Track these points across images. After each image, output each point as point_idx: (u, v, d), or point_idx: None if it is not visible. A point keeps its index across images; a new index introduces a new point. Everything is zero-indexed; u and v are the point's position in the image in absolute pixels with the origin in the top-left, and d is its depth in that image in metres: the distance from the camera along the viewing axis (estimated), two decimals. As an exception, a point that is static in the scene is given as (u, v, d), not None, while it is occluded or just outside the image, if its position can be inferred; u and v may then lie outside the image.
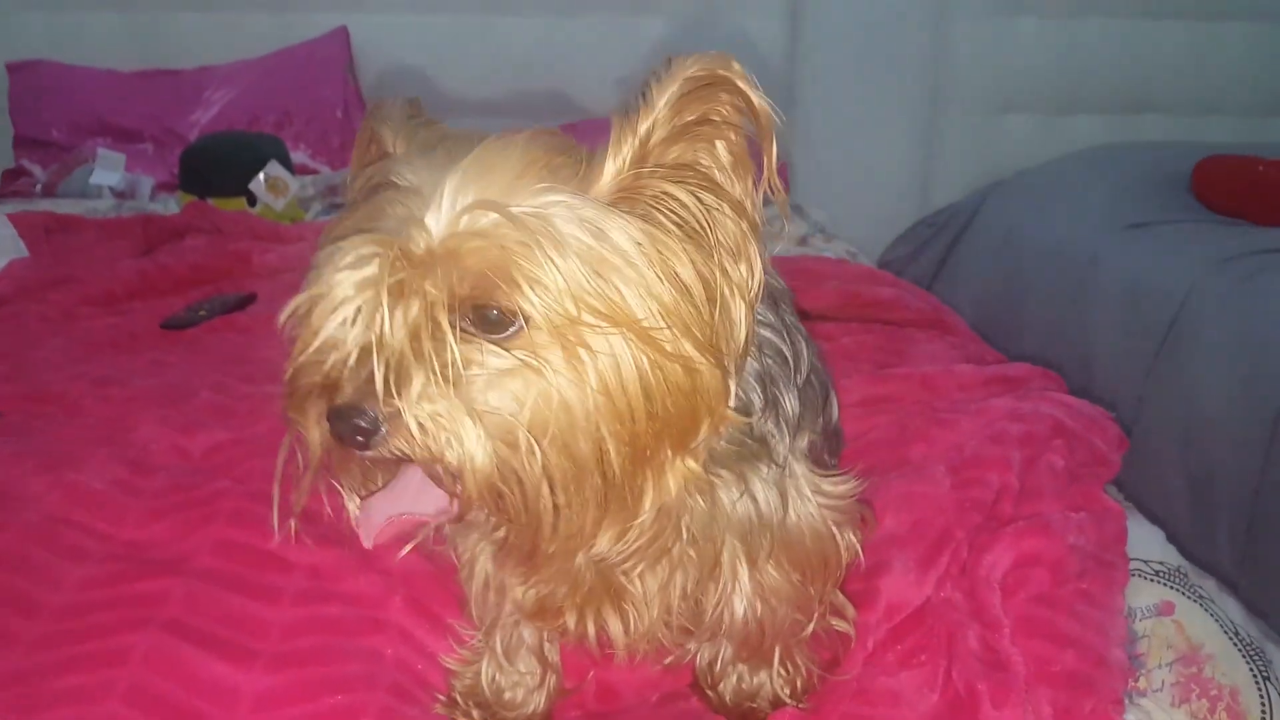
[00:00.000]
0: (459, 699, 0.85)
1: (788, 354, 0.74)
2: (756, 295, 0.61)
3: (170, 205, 2.63)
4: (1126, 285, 2.19)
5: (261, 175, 2.50)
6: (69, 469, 1.08)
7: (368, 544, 0.62)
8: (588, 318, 0.55)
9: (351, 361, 0.55)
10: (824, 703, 0.85)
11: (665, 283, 0.57)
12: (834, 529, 0.77)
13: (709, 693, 0.87)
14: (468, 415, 0.54)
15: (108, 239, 2.09)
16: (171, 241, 2.11)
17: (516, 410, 0.55)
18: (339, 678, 0.82)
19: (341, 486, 0.63)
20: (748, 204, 0.60)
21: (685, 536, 0.68)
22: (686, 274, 0.57)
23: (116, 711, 0.75)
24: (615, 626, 0.72)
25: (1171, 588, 0.95)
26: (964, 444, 1.08)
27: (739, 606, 0.74)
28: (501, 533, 0.65)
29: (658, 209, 0.58)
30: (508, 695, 0.85)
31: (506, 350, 0.55)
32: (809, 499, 0.75)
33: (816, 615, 0.81)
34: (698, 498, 0.67)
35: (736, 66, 0.58)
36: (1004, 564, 0.90)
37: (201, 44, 3.06)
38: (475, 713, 0.83)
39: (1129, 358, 2.11)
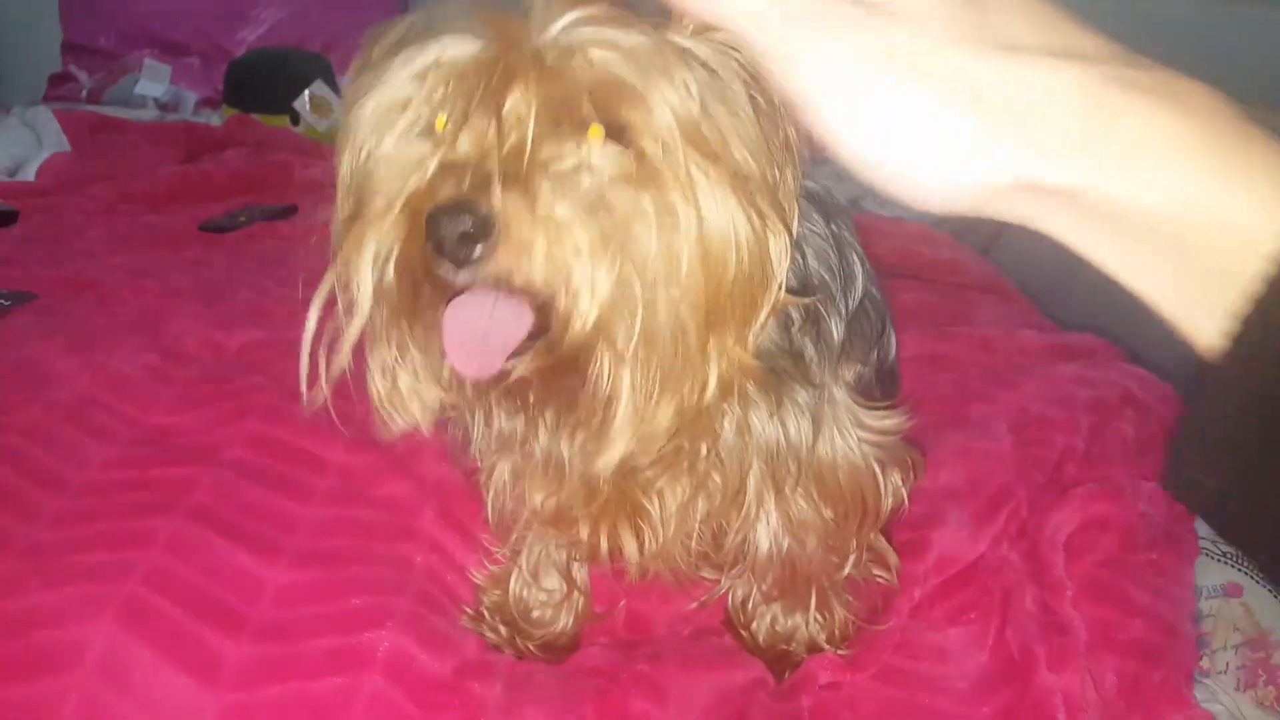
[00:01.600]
0: (486, 614, 0.82)
1: (835, 268, 0.68)
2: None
3: (214, 120, 2.59)
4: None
5: (306, 94, 2.46)
6: (100, 352, 1.05)
7: (478, 374, 0.50)
8: (697, 153, 0.49)
9: (436, 171, 0.47)
10: (864, 652, 0.81)
11: (747, 123, 0.50)
12: (875, 466, 0.72)
13: (742, 632, 0.83)
14: (599, 230, 0.47)
15: (151, 143, 2.07)
16: (214, 151, 2.08)
17: (636, 240, 0.48)
18: (365, 580, 0.79)
19: (389, 357, 0.54)
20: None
21: (708, 455, 0.63)
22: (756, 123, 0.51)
23: (135, 592, 0.72)
24: (630, 544, 0.67)
25: (1239, 570, 0.90)
26: (1028, 405, 1.03)
27: (764, 537, 0.70)
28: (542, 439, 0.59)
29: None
30: (535, 614, 0.81)
31: (625, 159, 0.49)
32: (848, 430, 0.70)
33: (853, 558, 0.77)
34: (728, 412, 0.62)
35: None
36: (1070, 526, 0.85)
37: (255, -42, 3.01)
38: (502, 629, 0.80)
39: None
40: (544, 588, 0.81)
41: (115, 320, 1.16)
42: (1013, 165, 0.36)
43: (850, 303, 0.71)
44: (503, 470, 0.71)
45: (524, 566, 0.80)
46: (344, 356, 0.52)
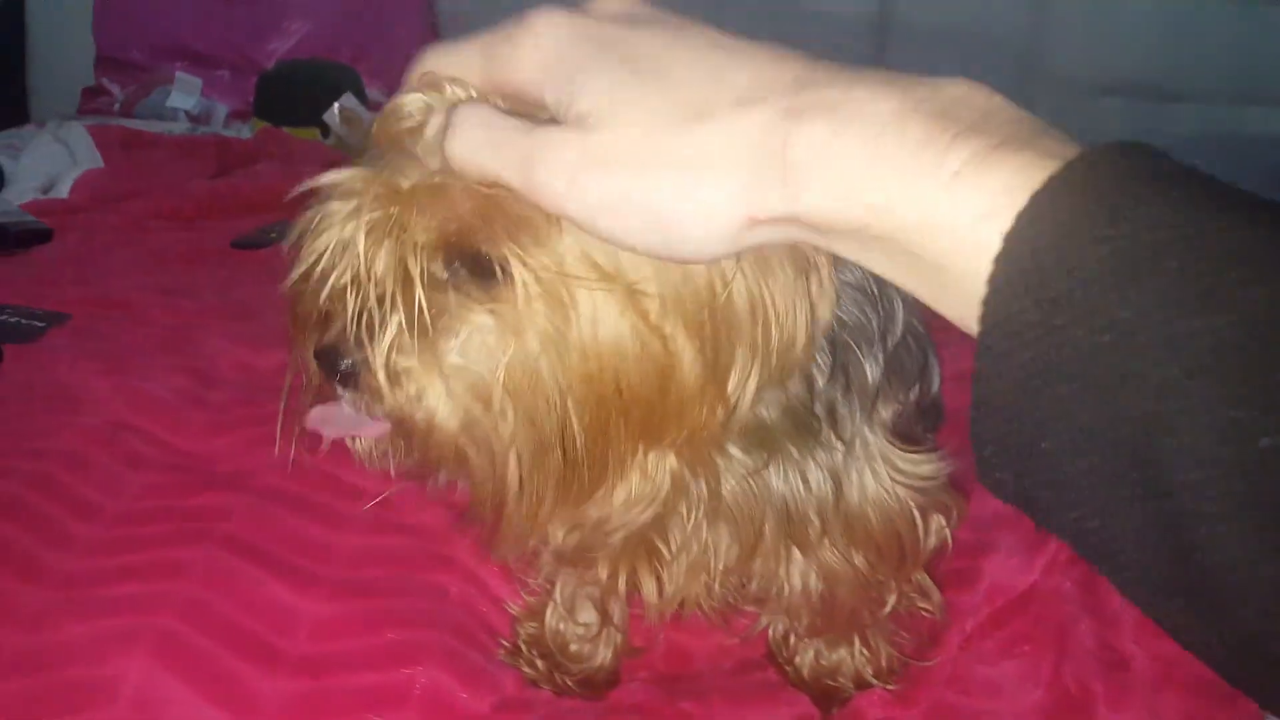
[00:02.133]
0: (523, 647, 0.80)
1: (871, 312, 0.66)
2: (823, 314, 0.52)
3: (244, 132, 2.61)
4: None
5: (336, 106, 2.47)
6: (133, 375, 1.05)
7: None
8: (578, 269, 0.48)
9: (332, 295, 0.53)
10: (914, 687, 0.78)
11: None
12: (912, 510, 0.69)
13: (786, 667, 0.81)
14: (437, 372, 0.51)
15: (182, 157, 2.08)
16: (245, 165, 2.09)
17: (491, 368, 0.50)
18: (402, 612, 0.77)
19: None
20: None
21: (711, 507, 0.62)
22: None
23: (170, 624, 0.71)
24: (648, 586, 0.66)
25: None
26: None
27: (795, 581, 0.68)
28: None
29: None
30: (573, 648, 0.80)
31: (488, 300, 0.50)
32: (881, 473, 0.67)
33: (895, 595, 0.75)
34: (730, 475, 0.62)
35: None
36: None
37: (284, -29, 3.03)
38: (539, 663, 0.79)
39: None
40: (580, 622, 0.79)
41: (148, 341, 1.16)
42: (737, 207, 0.39)
43: (890, 341, 0.68)
44: None
45: (558, 600, 0.79)
46: (308, 420, 0.60)
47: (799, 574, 0.67)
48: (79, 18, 3.05)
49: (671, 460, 0.55)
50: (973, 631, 0.81)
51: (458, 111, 0.45)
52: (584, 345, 0.49)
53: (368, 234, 0.50)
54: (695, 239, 0.41)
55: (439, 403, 0.51)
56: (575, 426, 0.51)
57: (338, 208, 0.52)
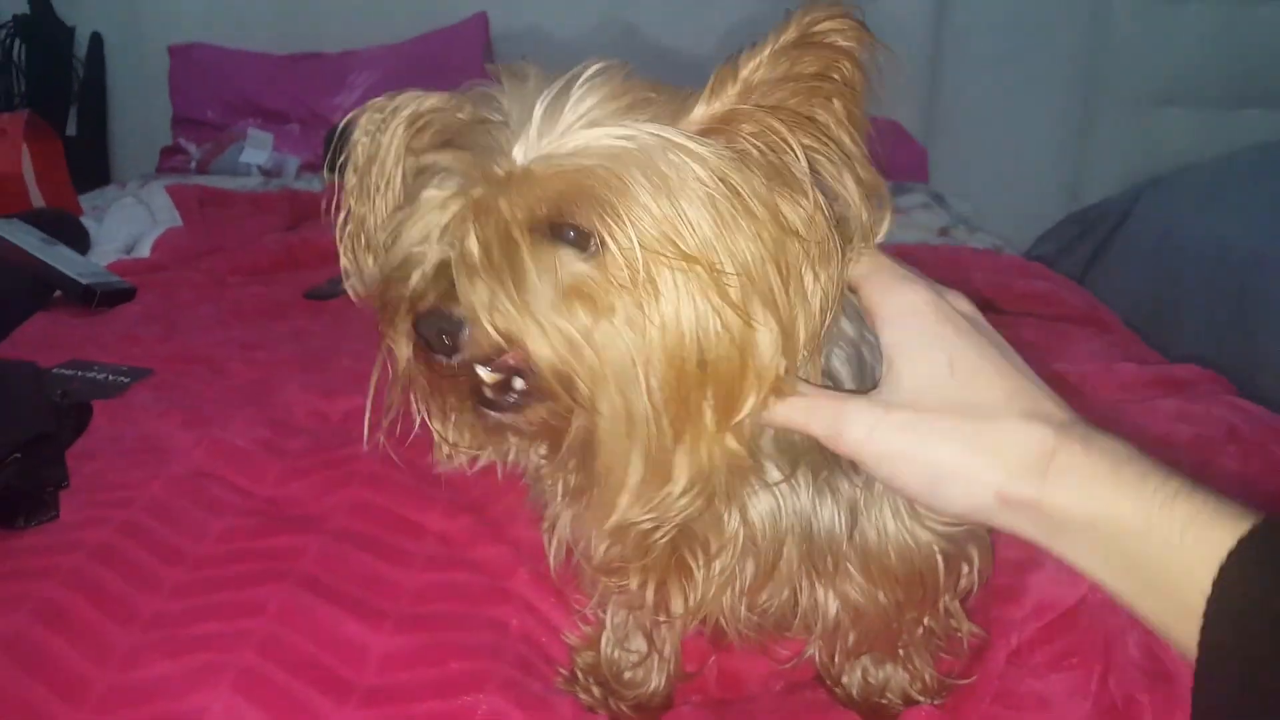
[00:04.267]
0: (580, 675, 0.83)
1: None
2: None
3: (314, 184, 2.71)
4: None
5: (402, 156, 2.55)
6: (214, 426, 1.11)
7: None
8: (663, 249, 0.53)
9: (430, 274, 0.56)
10: (963, 703, 0.79)
11: (743, 225, 0.54)
12: (936, 554, 0.70)
13: (835, 688, 0.83)
14: (534, 321, 0.54)
15: (255, 213, 2.17)
16: (315, 218, 2.17)
17: (584, 327, 0.54)
18: (464, 644, 0.81)
19: (428, 413, 0.64)
20: (866, 165, 0.58)
21: (740, 528, 0.65)
22: (765, 219, 0.55)
23: (250, 660, 0.76)
24: (677, 600, 0.69)
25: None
26: (1125, 444, 1.00)
27: (829, 610, 0.70)
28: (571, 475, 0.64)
29: (754, 147, 0.56)
30: (627, 675, 0.83)
31: (580, 269, 0.54)
32: (901, 514, 0.68)
33: (927, 620, 0.76)
34: (760, 493, 0.65)
35: (862, 26, 0.57)
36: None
37: (347, 28, 3.15)
38: (595, 690, 0.82)
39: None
40: (631, 649, 0.82)
41: (227, 393, 1.23)
42: (993, 486, 0.52)
43: None
44: (565, 521, 0.73)
45: (610, 629, 0.81)
46: (393, 408, 0.65)
47: (828, 604, 0.69)
48: (157, 81, 3.19)
49: (731, 442, 0.58)
50: (1020, 646, 0.82)
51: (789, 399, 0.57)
52: (665, 320, 0.54)
53: (470, 212, 0.55)
54: (957, 499, 0.54)
55: (538, 345, 0.54)
56: (657, 396, 0.55)
57: (432, 196, 0.57)
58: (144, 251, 1.91)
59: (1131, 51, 2.71)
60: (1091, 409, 1.11)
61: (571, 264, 0.55)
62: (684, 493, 0.58)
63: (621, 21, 2.87)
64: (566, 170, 0.54)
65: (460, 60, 3.02)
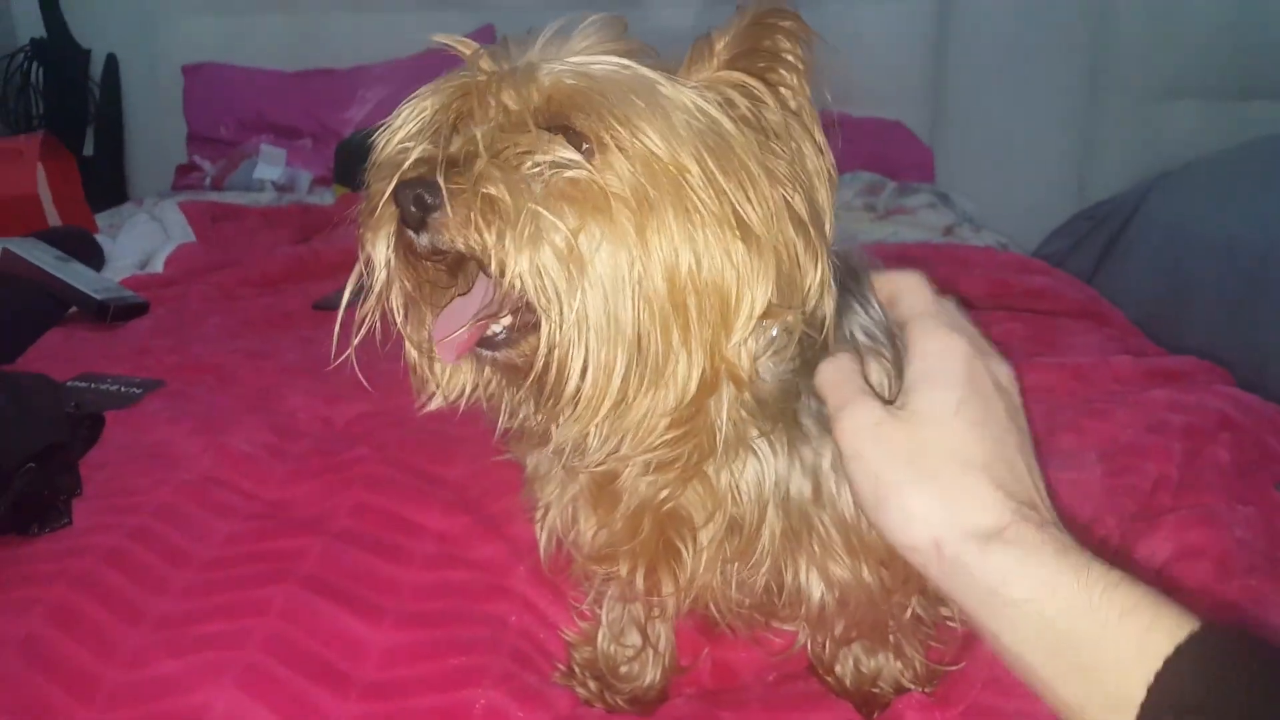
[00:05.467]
0: (577, 669, 0.84)
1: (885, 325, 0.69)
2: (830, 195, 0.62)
3: (326, 197, 2.75)
4: (1306, 283, 2.02)
5: (410, 168, 2.58)
6: (222, 433, 1.14)
7: (450, 358, 0.59)
8: (653, 157, 0.55)
9: (419, 161, 0.56)
10: (952, 690, 0.80)
11: (730, 159, 0.57)
12: None
13: (827, 677, 0.84)
14: (527, 203, 0.53)
15: (268, 227, 2.21)
16: (326, 230, 2.20)
17: (574, 225, 0.54)
18: (463, 640, 0.83)
19: (405, 322, 0.62)
20: (815, 127, 0.61)
21: (731, 493, 0.66)
22: (749, 157, 0.58)
23: (255, 658, 0.78)
24: (666, 583, 0.70)
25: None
26: (1119, 433, 1.01)
27: (815, 587, 0.70)
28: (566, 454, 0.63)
29: (738, 101, 0.60)
30: (623, 669, 0.84)
31: (575, 165, 0.55)
32: None
33: (914, 602, 0.76)
34: (744, 458, 0.65)
35: (798, 16, 0.60)
36: (1163, 554, 0.84)
37: (357, 44, 3.18)
38: (591, 684, 0.83)
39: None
40: (626, 644, 0.83)
41: (236, 401, 1.25)
42: (931, 531, 0.54)
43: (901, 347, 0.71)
44: (554, 514, 0.74)
45: (606, 624, 0.83)
46: (369, 320, 0.62)
47: (811, 586, 0.70)
48: (171, 100, 3.24)
49: (732, 354, 0.59)
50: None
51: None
52: (660, 229, 0.55)
53: (454, 98, 0.57)
54: (895, 529, 0.55)
55: (527, 236, 0.53)
56: (646, 316, 0.55)
57: (427, 98, 0.59)
58: (158, 267, 1.95)
59: (1137, 45, 2.70)
60: (1087, 397, 1.12)
61: (566, 162, 0.55)
62: (675, 409, 0.58)
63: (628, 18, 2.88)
64: (568, 75, 0.56)
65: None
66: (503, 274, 0.54)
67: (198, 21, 3.27)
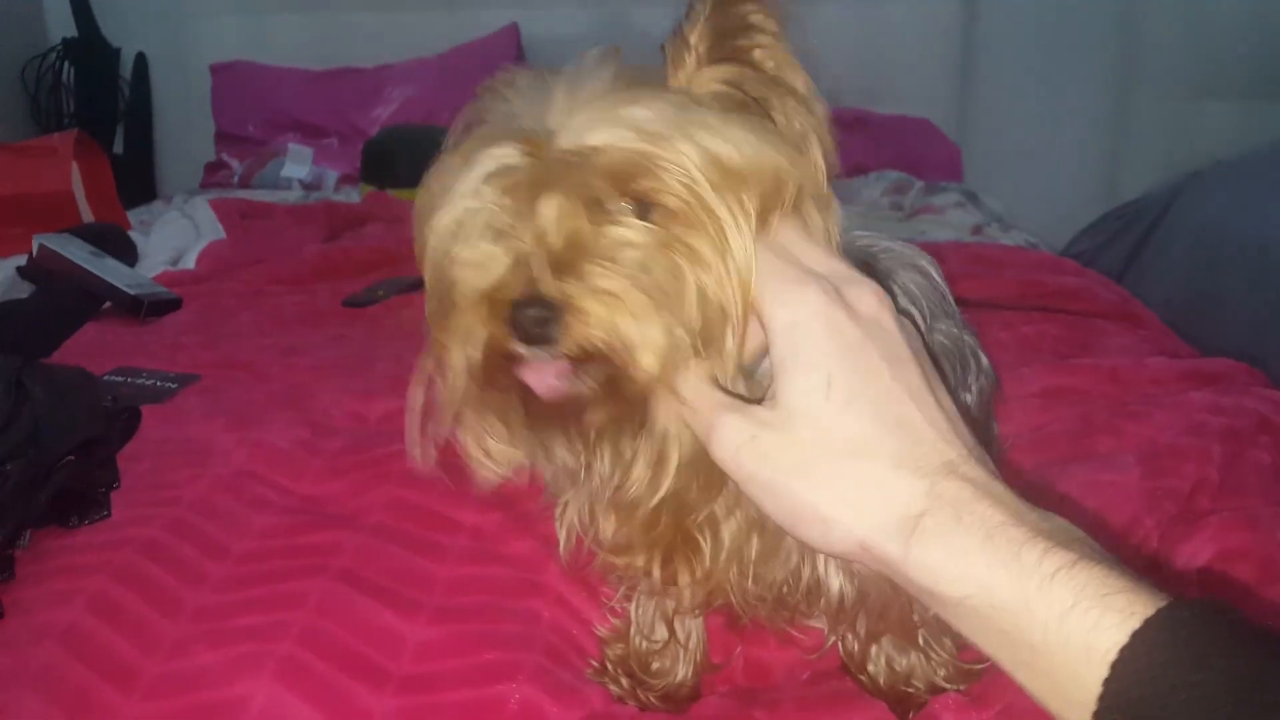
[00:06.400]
0: (609, 666, 0.84)
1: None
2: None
3: (353, 196, 2.76)
4: (1342, 283, 2.00)
5: (437, 166, 2.59)
6: (256, 428, 1.14)
7: (549, 395, 0.58)
8: (708, 193, 0.55)
9: (506, 267, 0.55)
10: (989, 690, 0.80)
11: (748, 149, 0.56)
12: None
13: (860, 676, 0.83)
14: (641, 291, 0.53)
15: (296, 224, 2.22)
16: (353, 228, 2.22)
17: (675, 286, 0.54)
18: (497, 635, 0.83)
19: (467, 429, 0.62)
20: (798, 80, 0.60)
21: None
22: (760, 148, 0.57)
23: (290, 651, 0.78)
24: (684, 576, 0.69)
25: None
26: (1157, 435, 1.00)
27: (833, 583, 0.70)
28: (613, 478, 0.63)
29: (731, 94, 0.59)
30: (655, 666, 0.84)
31: (646, 231, 0.55)
32: None
33: None
34: None
35: None
36: (1203, 557, 0.83)
37: (383, 43, 3.21)
38: (624, 681, 0.83)
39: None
40: (654, 640, 0.83)
41: (269, 397, 1.26)
42: (855, 536, 0.49)
43: (936, 334, 0.71)
44: (573, 511, 0.74)
45: (635, 620, 0.83)
46: (444, 425, 0.62)
47: (832, 575, 0.70)
48: (200, 99, 3.27)
49: None
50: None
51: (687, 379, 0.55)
52: (723, 250, 0.55)
53: (537, 192, 0.55)
54: (818, 541, 0.51)
55: (652, 321, 0.53)
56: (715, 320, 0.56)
57: (487, 188, 0.56)
58: (189, 263, 1.96)
59: (1166, 44, 2.68)
60: (1124, 399, 1.11)
61: (641, 232, 0.55)
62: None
63: (645, 16, 2.89)
64: (617, 140, 0.55)
65: (494, 71, 3.05)
66: (632, 364, 0.54)
67: (226, 21, 3.31)
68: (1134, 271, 2.58)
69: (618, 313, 0.53)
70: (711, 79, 0.60)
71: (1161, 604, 0.42)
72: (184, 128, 3.43)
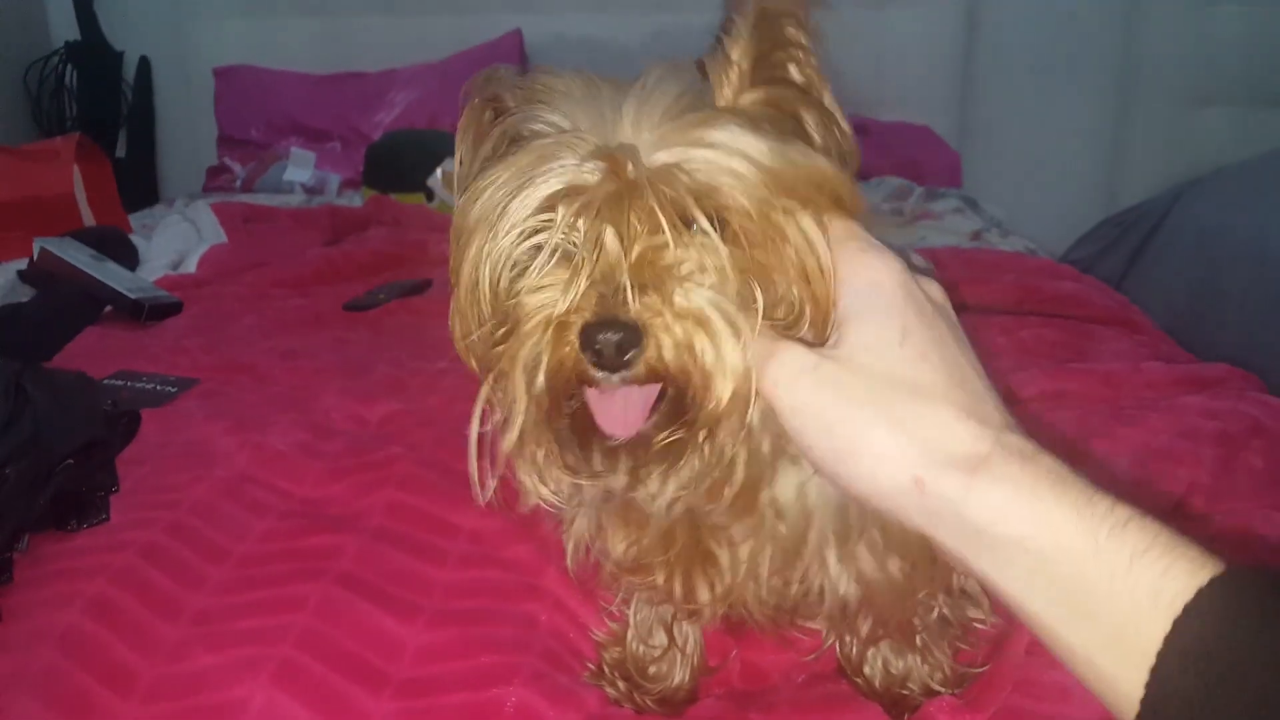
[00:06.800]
0: (606, 669, 0.85)
1: None
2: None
3: (355, 200, 2.77)
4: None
5: (439, 171, 2.60)
6: (257, 431, 1.15)
7: (625, 435, 0.57)
8: (777, 213, 0.55)
9: (578, 290, 0.54)
10: (983, 693, 0.80)
11: (806, 167, 0.57)
12: None
13: (856, 679, 0.84)
14: (718, 312, 0.53)
15: (297, 228, 2.23)
16: (355, 232, 2.22)
17: (751, 307, 0.55)
18: (495, 638, 0.83)
19: (523, 462, 0.61)
20: (842, 119, 0.61)
21: (771, 504, 0.66)
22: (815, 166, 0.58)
23: (290, 654, 0.79)
24: (702, 590, 0.70)
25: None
26: (1150, 440, 1.01)
27: (840, 584, 0.70)
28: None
29: (771, 114, 0.60)
30: (652, 669, 0.84)
31: (718, 248, 0.55)
32: None
33: (941, 600, 0.77)
34: (786, 469, 0.65)
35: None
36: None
37: (386, 47, 3.21)
38: (621, 684, 0.83)
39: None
40: (653, 644, 0.84)
41: (270, 400, 1.27)
42: (907, 469, 0.48)
43: None
44: (581, 523, 0.74)
45: (634, 624, 0.83)
46: (505, 455, 0.60)
47: (841, 581, 0.70)
48: (202, 103, 3.28)
49: None
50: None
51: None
52: (799, 263, 0.55)
53: (610, 214, 0.54)
54: (864, 476, 0.50)
55: (729, 343, 0.53)
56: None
57: (560, 211, 0.55)
58: (191, 267, 1.97)
59: (1167, 52, 2.69)
60: (1119, 404, 1.12)
61: (715, 253, 0.55)
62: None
63: (652, 22, 2.89)
64: (689, 162, 0.55)
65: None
66: (706, 391, 0.54)
67: (229, 24, 3.31)
68: (1133, 277, 2.59)
69: (698, 336, 0.53)
70: (755, 97, 0.60)
71: (1227, 565, 0.42)
72: (186, 131, 3.43)
